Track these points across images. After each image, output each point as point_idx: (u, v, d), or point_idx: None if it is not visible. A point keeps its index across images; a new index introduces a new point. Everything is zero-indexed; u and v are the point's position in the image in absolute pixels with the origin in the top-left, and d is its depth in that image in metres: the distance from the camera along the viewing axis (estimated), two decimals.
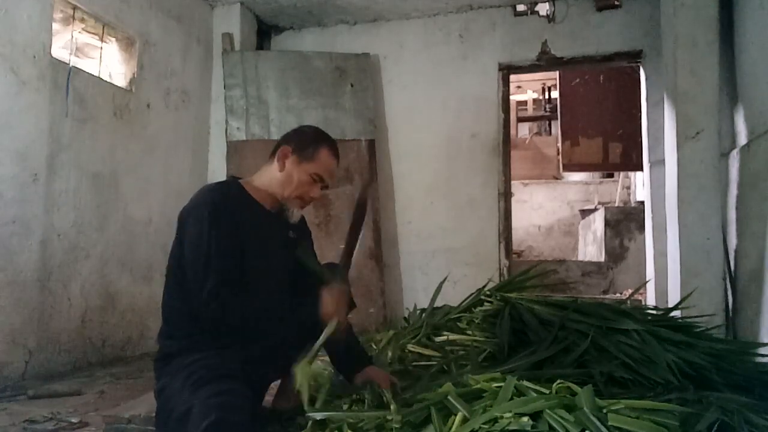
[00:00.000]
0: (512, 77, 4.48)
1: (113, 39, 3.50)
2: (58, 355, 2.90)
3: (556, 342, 2.00)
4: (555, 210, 7.98)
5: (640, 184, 6.38)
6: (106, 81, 3.35)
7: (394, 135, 4.40)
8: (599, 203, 7.33)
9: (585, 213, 6.92)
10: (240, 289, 1.56)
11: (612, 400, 1.25)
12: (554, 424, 1.13)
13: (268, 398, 1.82)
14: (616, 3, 4.00)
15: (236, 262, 1.58)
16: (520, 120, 9.76)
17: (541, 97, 9.44)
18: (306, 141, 1.75)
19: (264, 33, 4.64)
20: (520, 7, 4.19)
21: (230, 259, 1.57)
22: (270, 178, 1.75)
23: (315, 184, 1.74)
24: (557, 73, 5.97)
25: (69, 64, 3.03)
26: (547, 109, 9.27)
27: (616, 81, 5.18)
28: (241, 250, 1.61)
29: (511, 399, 1.25)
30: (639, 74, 4.23)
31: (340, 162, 1.83)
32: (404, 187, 4.35)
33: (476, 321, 2.37)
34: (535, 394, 1.26)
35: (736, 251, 2.86)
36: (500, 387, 1.32)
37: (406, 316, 2.90)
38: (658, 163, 3.68)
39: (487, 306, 2.44)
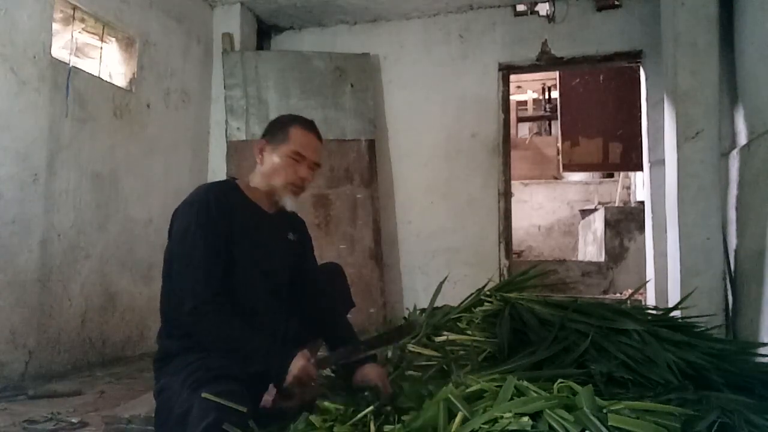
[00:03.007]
0: (512, 77, 4.49)
1: (113, 39, 3.50)
2: (58, 355, 2.90)
3: (556, 342, 2.00)
4: (555, 210, 7.98)
5: (640, 184, 6.38)
6: (106, 81, 3.35)
7: (394, 135, 4.40)
8: (599, 203, 7.33)
9: (585, 213, 6.92)
10: (221, 295, 1.54)
11: (612, 400, 1.25)
12: (554, 424, 1.13)
13: (267, 398, 1.82)
14: (616, 3, 4.01)
15: (221, 262, 1.56)
16: (520, 120, 9.76)
17: (541, 97, 9.44)
18: (276, 127, 1.76)
19: (264, 33, 4.64)
20: (520, 7, 4.19)
21: (215, 258, 1.54)
22: (259, 175, 1.75)
23: (298, 164, 1.71)
24: (557, 73, 5.97)
25: (69, 64, 3.03)
26: (547, 109, 9.27)
27: (616, 81, 5.18)
28: (234, 250, 1.60)
29: (511, 399, 1.25)
30: (639, 74, 4.23)
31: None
32: (404, 187, 4.35)
33: (476, 321, 2.37)
34: (535, 394, 1.26)
35: (736, 251, 2.86)
36: (500, 387, 1.31)
37: (406, 316, 2.89)
38: (658, 163, 3.68)
39: (487, 306, 2.43)
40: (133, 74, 3.55)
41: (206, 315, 1.50)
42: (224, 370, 1.44)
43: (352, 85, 4.19)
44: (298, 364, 1.49)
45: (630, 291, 4.65)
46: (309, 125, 1.78)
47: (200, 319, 1.50)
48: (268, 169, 1.72)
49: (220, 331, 1.50)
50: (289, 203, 1.73)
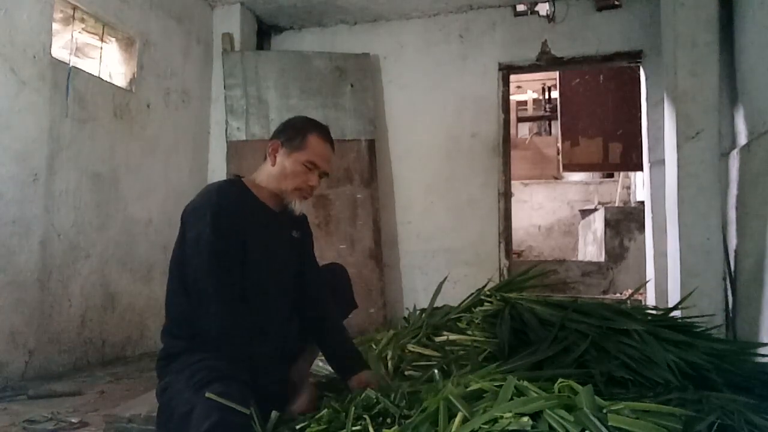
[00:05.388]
0: (512, 77, 4.48)
1: (113, 39, 3.50)
2: (58, 355, 2.90)
3: (556, 342, 2.00)
4: (555, 210, 7.99)
5: (640, 184, 6.38)
6: (106, 81, 3.35)
7: (394, 135, 4.40)
8: (599, 203, 7.33)
9: (585, 213, 6.93)
10: (237, 300, 1.57)
11: (612, 400, 1.25)
12: (554, 424, 1.13)
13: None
14: (616, 3, 4.00)
15: (236, 264, 1.58)
16: (520, 120, 9.76)
17: (541, 97, 9.44)
18: (293, 131, 1.74)
19: (264, 33, 4.64)
20: (520, 7, 4.19)
21: (230, 261, 1.56)
22: (267, 175, 1.74)
23: (310, 173, 1.72)
24: (557, 73, 5.98)
25: (69, 64, 3.03)
26: (547, 109, 9.28)
27: (616, 81, 5.18)
28: (243, 251, 1.61)
29: (511, 399, 1.25)
30: (639, 74, 4.23)
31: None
32: (404, 187, 4.35)
33: (476, 321, 2.37)
34: (535, 394, 1.26)
35: (736, 251, 2.86)
36: (500, 387, 1.32)
37: (406, 316, 2.90)
38: (658, 163, 3.68)
39: (487, 306, 2.44)
40: (133, 74, 3.55)
41: (228, 335, 1.53)
42: (228, 371, 1.45)
43: (352, 85, 4.19)
44: (302, 401, 1.57)
45: (630, 291, 4.66)
46: (326, 134, 1.78)
47: (223, 338, 1.53)
48: (279, 172, 1.72)
49: (237, 353, 1.54)
50: (297, 207, 1.74)
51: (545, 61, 4.19)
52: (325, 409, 1.48)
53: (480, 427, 1.15)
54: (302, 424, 1.43)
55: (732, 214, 2.90)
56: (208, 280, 1.53)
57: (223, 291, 1.53)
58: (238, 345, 1.54)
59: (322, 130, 1.77)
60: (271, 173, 1.73)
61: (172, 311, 1.63)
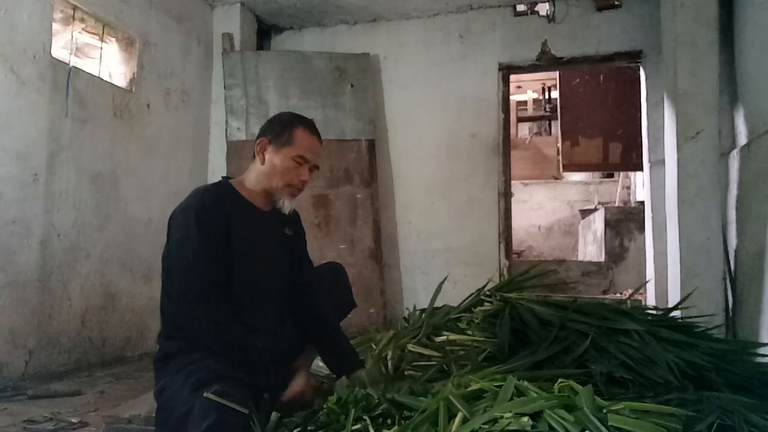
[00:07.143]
0: (512, 77, 4.48)
1: (113, 39, 3.50)
2: (58, 355, 2.90)
3: (556, 342, 2.00)
4: (555, 210, 7.98)
5: (640, 184, 6.38)
6: (106, 81, 3.35)
7: (394, 135, 4.41)
8: (599, 203, 7.33)
9: (585, 213, 6.92)
10: (222, 301, 1.56)
11: (612, 400, 1.25)
12: (554, 424, 1.13)
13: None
14: (616, 3, 4.01)
15: (220, 265, 1.57)
16: (520, 120, 9.75)
17: (541, 97, 9.43)
18: (279, 127, 1.74)
19: (264, 33, 4.64)
20: (520, 7, 4.19)
21: (214, 265, 1.56)
22: (256, 174, 1.74)
23: (301, 167, 1.71)
24: (557, 73, 5.97)
25: (69, 64, 3.03)
26: (547, 109, 9.26)
27: (616, 81, 5.17)
28: (233, 253, 1.60)
29: (511, 399, 1.25)
30: (639, 74, 4.23)
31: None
32: (404, 187, 4.35)
33: (476, 321, 2.37)
34: (535, 394, 1.25)
35: (736, 251, 2.86)
36: (500, 387, 1.31)
37: (406, 316, 2.89)
38: (658, 163, 3.68)
39: (487, 306, 2.43)
40: (133, 74, 3.55)
41: (210, 334, 1.52)
42: (225, 371, 1.44)
43: (352, 85, 4.19)
44: (293, 389, 1.55)
45: (630, 291, 4.65)
46: (312, 127, 1.77)
47: (193, 319, 1.52)
48: (269, 170, 1.71)
49: (220, 351, 1.53)
50: (287, 205, 1.73)
51: (545, 61, 4.19)
52: (322, 410, 1.48)
53: (480, 427, 1.15)
54: (299, 429, 1.43)
55: (732, 214, 2.90)
56: (192, 281, 1.52)
57: (205, 292, 1.52)
58: (221, 344, 1.53)
59: (308, 124, 1.76)
60: (261, 171, 1.73)
61: (167, 313, 1.63)
